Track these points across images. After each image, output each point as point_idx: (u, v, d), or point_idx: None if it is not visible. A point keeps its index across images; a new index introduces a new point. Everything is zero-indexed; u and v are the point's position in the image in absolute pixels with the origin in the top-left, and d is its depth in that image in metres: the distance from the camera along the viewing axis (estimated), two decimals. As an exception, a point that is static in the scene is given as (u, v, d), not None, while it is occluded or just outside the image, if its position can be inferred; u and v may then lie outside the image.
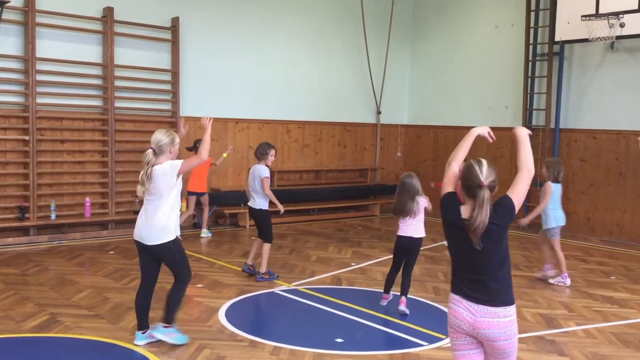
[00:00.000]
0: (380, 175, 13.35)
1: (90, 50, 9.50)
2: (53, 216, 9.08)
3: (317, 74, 12.29)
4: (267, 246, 7.13)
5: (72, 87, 9.41)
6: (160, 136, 4.71)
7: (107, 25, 9.55)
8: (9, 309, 5.73)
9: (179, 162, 4.71)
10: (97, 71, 9.63)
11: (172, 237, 4.77)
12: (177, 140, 4.81)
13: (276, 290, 6.68)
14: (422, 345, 5.09)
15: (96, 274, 7.20)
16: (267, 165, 7.10)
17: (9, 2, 8.39)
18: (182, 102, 10.40)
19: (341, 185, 12.57)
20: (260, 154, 7.10)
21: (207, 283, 6.88)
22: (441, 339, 5.18)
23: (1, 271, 7.18)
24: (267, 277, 7.04)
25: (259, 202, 7.07)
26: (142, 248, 4.82)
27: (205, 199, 9.71)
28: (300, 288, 6.75)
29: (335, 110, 12.65)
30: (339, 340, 5.13)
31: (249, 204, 7.20)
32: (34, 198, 9.01)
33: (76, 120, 9.49)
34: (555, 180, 7.12)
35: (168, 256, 4.80)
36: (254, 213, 7.17)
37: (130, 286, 6.65)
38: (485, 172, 2.99)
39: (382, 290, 6.20)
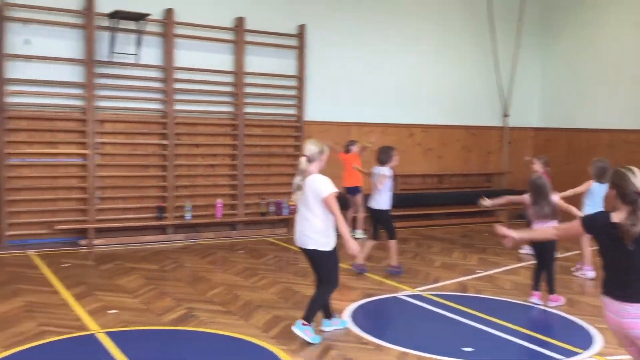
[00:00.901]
0: (508, 180, 12.87)
1: (222, 59, 9.97)
2: (188, 216, 9.61)
3: (441, 76, 12.10)
4: (393, 242, 7.45)
5: (206, 94, 9.92)
6: (312, 146, 5.08)
7: (238, 34, 9.99)
8: (150, 303, 6.13)
9: (329, 195, 4.91)
10: (228, 78, 10.09)
11: (329, 246, 5.01)
12: (326, 149, 5.15)
13: (400, 295, 6.63)
14: (556, 359, 4.83)
15: (227, 272, 7.52)
16: (391, 168, 7.44)
17: (151, 15, 9.02)
18: (306, 107, 10.64)
19: (466, 190, 12.25)
20: (386, 157, 7.37)
21: (332, 285, 6.97)
22: (577, 354, 4.89)
23: (142, 267, 7.70)
24: (397, 270, 7.42)
25: (381, 202, 7.33)
26: (302, 252, 5.14)
27: (355, 197, 9.78)
28: (424, 294, 6.66)
29: (459, 113, 12.38)
30: (468, 349, 4.99)
31: (369, 204, 7.44)
32: (171, 199, 9.59)
33: (209, 126, 10.00)
34: (599, 181, 7.16)
35: (320, 262, 5.07)
36: (375, 213, 7.42)
37: (259, 285, 6.89)
38: (638, 181, 3.25)
39: (531, 290, 6.41)
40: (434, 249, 9.31)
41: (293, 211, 7.31)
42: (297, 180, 5.06)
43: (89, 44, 8.85)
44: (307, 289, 6.38)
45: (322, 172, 5.15)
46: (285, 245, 9.08)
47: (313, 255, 5.05)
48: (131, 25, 8.98)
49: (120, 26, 8.87)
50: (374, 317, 6.15)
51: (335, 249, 5.08)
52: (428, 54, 11.94)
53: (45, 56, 8.64)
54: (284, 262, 8.12)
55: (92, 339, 5.03)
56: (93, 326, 5.31)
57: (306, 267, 6.14)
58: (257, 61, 10.21)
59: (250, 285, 6.89)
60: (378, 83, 11.40)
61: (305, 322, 5.02)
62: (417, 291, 6.77)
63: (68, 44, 8.82)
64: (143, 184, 9.51)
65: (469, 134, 12.58)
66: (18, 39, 8.51)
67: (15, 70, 8.50)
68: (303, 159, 5.03)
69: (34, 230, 8.73)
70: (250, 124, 10.24)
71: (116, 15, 8.73)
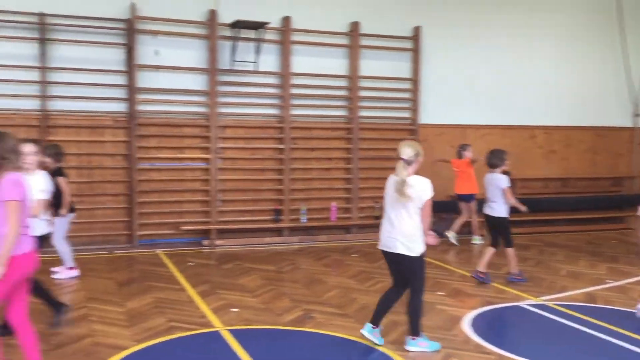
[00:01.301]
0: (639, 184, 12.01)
1: (337, 63, 10.08)
2: (304, 219, 9.79)
3: (565, 76, 11.51)
4: (511, 250, 7.18)
5: (321, 99, 10.07)
6: (408, 149, 4.88)
7: (353, 38, 10.05)
8: (269, 302, 6.29)
9: (427, 199, 4.80)
10: (343, 83, 10.18)
11: (417, 252, 4.84)
12: (421, 152, 4.95)
13: (522, 304, 6.35)
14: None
15: (342, 275, 7.57)
16: (505, 172, 7.12)
17: (270, 23, 9.29)
18: (421, 109, 10.50)
19: (592, 195, 11.56)
20: (499, 160, 7.06)
21: (449, 291, 6.81)
22: None
23: (261, 267, 7.92)
24: (520, 277, 7.16)
25: (498, 209, 7.04)
26: (386, 256, 4.99)
27: (470, 204, 9.57)
28: (549, 303, 6.34)
29: (585, 113, 11.72)
30: (599, 364, 4.69)
31: (486, 212, 7.14)
32: (287, 202, 9.81)
33: (324, 130, 10.13)
34: None
35: (408, 267, 4.89)
36: (493, 221, 7.15)
37: (374, 289, 6.87)
38: None
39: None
40: (557, 256, 8.85)
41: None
42: (391, 182, 4.90)
43: (212, 53, 9.26)
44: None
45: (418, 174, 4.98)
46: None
47: (400, 260, 4.87)
48: (251, 34, 9.30)
49: (241, 35, 9.21)
50: (495, 326, 5.94)
51: (423, 255, 4.90)
52: (550, 52, 11.39)
53: (173, 66, 9.15)
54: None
55: (216, 336, 5.23)
56: (217, 324, 5.52)
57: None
58: (371, 65, 10.22)
59: (366, 289, 6.89)
60: (496, 84, 11.04)
61: (414, 336, 4.94)
62: (541, 300, 6.46)
63: (193, 53, 9.28)
64: (261, 187, 9.81)
65: (596, 135, 11.87)
66: (148, 50, 9.07)
67: (146, 79, 9.06)
68: (401, 163, 4.83)
69: (162, 230, 9.26)
70: (364, 127, 10.26)
71: (237, 25, 9.07)
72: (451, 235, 9.53)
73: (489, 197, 7.12)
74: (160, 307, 6.04)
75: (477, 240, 9.54)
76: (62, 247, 7.03)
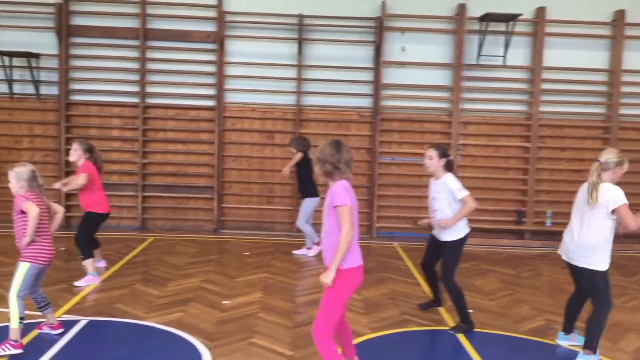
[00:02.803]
0: None
1: (595, 56, 9.22)
2: (548, 223, 9.16)
3: None
4: None
5: (575, 95, 9.30)
6: (610, 155, 4.49)
7: (617, 29, 9.09)
8: (506, 308, 6.00)
9: (620, 205, 4.34)
10: (601, 77, 9.28)
11: (599, 266, 4.45)
12: (626, 165, 4.50)
13: None
14: None
15: (591, 288, 6.90)
16: None
17: (522, 15, 8.83)
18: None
19: None
20: None
21: None
22: None
23: (498, 270, 7.60)
24: None
25: None
26: (567, 265, 4.69)
27: None
28: None
29: None
30: None
31: None
32: (531, 204, 9.27)
33: (577, 128, 9.35)
34: None
35: (588, 280, 4.52)
36: None
37: (628, 306, 6.16)
38: None
39: None
40: None
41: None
42: (583, 188, 4.55)
43: (458, 48, 9.11)
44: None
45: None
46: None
47: (580, 272, 4.56)
48: (500, 27, 8.95)
49: (489, 29, 8.91)
50: None
51: (605, 270, 4.45)
52: None
53: (418, 62, 9.21)
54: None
55: (449, 335, 5.13)
56: (450, 322, 5.42)
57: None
58: (636, 57, 9.14)
59: (619, 305, 6.18)
60: None
61: (588, 351, 4.45)
62: None
63: (438, 49, 9.24)
64: (503, 186, 9.41)
65: None
66: (395, 47, 9.25)
67: (391, 76, 9.26)
68: (596, 165, 4.43)
69: (400, 224, 9.40)
70: (625, 127, 9.24)
71: (486, 18, 8.80)
72: None
73: None
74: (395, 298, 6.13)
75: None
76: (305, 228, 7.80)
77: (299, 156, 7.70)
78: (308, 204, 7.81)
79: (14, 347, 4.32)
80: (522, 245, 9.12)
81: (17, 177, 4.46)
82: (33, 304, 4.72)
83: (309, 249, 7.95)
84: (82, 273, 6.49)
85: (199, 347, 4.65)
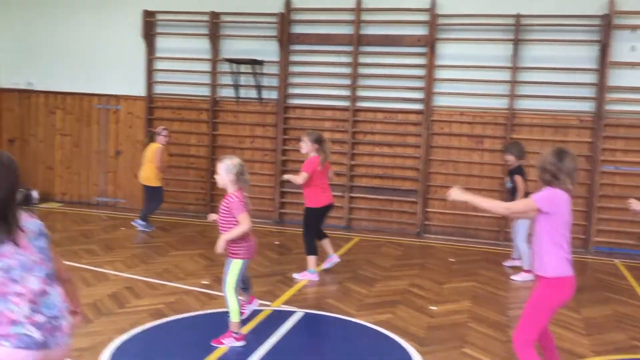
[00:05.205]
0: None
1: None
2: None
3: None
4: None
5: None
6: None
7: None
8: None
9: None
10: None
11: None
12: None
13: None
14: None
15: None
16: None
17: None
18: None
19: None
20: None
21: None
22: None
23: None
24: None
25: None
26: None
27: None
28: None
29: None
30: None
31: None
32: None
33: None
34: None
35: None
36: None
37: None
38: None
39: None
40: None
41: None
42: None
43: (702, 45, 8.05)
44: None
45: None
46: None
47: None
48: None
49: None
50: None
51: None
52: None
53: (651, 62, 8.32)
54: None
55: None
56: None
57: None
58: None
59: None
60: None
61: None
62: None
63: (677, 47, 8.25)
64: None
65: None
66: (624, 47, 8.45)
67: (618, 77, 8.47)
68: None
69: (621, 239, 8.57)
70: None
71: None
72: None
73: None
74: (621, 322, 5.58)
75: None
76: (523, 247, 6.95)
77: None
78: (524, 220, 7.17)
79: (237, 339, 4.58)
80: None
81: (227, 170, 4.52)
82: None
83: (526, 271, 6.86)
84: (297, 267, 6.87)
85: (410, 351, 4.65)
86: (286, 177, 6.88)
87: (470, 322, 5.41)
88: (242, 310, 4.76)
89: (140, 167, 8.73)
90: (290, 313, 5.39)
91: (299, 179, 6.57)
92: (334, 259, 6.93)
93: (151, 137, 8.73)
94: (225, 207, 4.54)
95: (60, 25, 10.52)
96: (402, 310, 5.63)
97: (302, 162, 9.78)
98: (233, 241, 4.54)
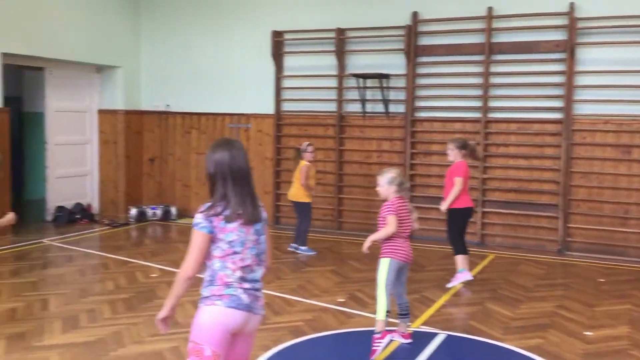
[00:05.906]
0: None
1: None
2: None
3: None
4: None
5: None
6: None
7: None
8: None
9: None
10: None
11: None
12: None
13: None
14: None
15: None
16: None
17: None
18: None
19: None
20: None
21: None
22: None
23: None
24: None
25: None
26: None
27: None
28: None
29: None
30: None
31: None
32: None
33: None
34: None
35: None
36: None
37: None
38: None
39: None
40: None
41: None
42: None
43: None
44: None
45: None
46: None
47: None
48: None
49: None
50: None
51: None
52: None
53: None
54: None
55: None
56: None
57: None
58: None
59: None
60: None
61: None
62: None
63: None
64: None
65: None
66: None
67: None
68: None
69: None
70: None
71: None
72: None
73: None
74: None
75: None
76: None
77: None
78: None
79: (379, 339, 4.65)
80: None
81: (390, 182, 4.75)
82: (396, 309, 4.92)
83: None
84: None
85: (568, 380, 4.29)
86: (445, 205, 6.72)
87: (631, 349, 4.93)
88: (379, 342, 4.66)
89: (291, 185, 8.50)
90: (432, 335, 5.18)
91: (456, 187, 6.54)
92: (465, 275, 6.71)
93: (298, 155, 8.41)
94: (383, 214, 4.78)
95: (194, 49, 11.04)
96: (553, 335, 5.24)
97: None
98: (383, 242, 4.73)
